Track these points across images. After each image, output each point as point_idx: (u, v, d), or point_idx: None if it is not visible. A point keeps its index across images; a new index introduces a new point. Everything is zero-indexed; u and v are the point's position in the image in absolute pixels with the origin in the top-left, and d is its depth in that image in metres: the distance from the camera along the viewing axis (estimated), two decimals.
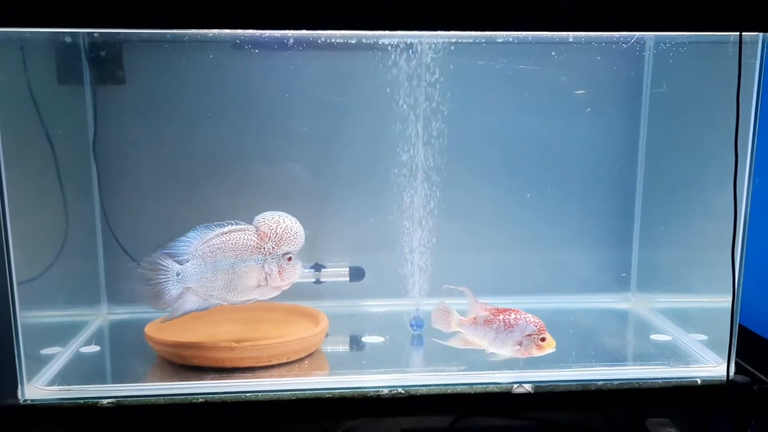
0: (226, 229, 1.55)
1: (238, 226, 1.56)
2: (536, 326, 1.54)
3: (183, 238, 1.53)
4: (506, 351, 1.55)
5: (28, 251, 1.51)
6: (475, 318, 1.57)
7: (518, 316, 1.55)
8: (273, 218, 1.57)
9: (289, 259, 1.56)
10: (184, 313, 1.54)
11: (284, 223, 1.56)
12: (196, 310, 1.55)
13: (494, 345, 1.55)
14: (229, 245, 1.54)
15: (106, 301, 1.97)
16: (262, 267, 1.55)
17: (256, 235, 1.55)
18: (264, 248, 1.55)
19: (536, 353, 1.54)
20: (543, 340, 1.54)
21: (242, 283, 1.55)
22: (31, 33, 1.52)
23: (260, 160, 1.93)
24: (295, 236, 1.56)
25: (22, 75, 1.60)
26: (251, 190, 1.94)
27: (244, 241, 1.54)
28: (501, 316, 1.55)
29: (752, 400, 1.55)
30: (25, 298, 1.48)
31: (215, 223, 1.55)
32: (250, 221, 1.58)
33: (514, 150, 1.98)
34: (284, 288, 1.59)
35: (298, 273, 1.58)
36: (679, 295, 1.94)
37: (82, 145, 1.88)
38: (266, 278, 1.56)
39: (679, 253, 1.91)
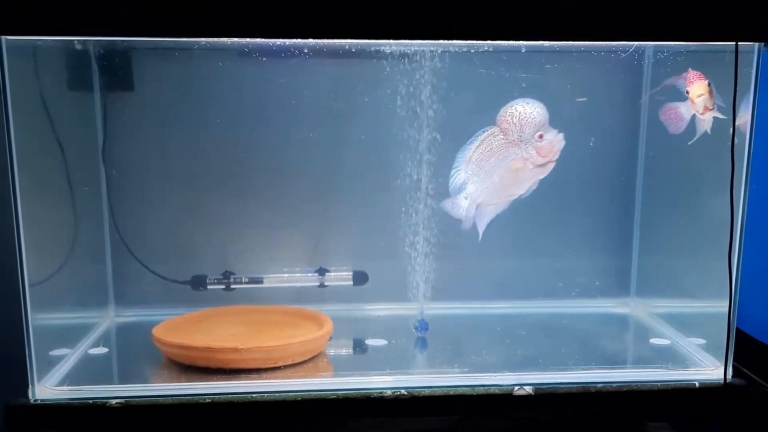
0: (477, 142, 1.63)
1: (485, 133, 1.63)
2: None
3: (452, 172, 1.65)
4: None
5: (38, 254, 1.53)
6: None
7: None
8: (507, 111, 1.61)
9: (540, 137, 1.60)
10: (488, 222, 1.67)
11: (516, 111, 1.60)
12: (496, 215, 1.67)
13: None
14: (487, 152, 1.62)
15: (113, 304, 1.99)
16: (522, 155, 1.61)
17: (501, 133, 1.61)
18: (513, 140, 1.61)
19: None
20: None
21: (516, 176, 1.63)
22: (43, 41, 1.55)
23: (266, 166, 1.96)
24: (531, 116, 1.60)
25: (34, 82, 1.63)
26: (258, 195, 1.97)
27: (496, 143, 1.62)
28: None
29: (748, 403, 1.57)
30: (35, 300, 1.51)
31: (467, 143, 1.64)
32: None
33: None
34: (553, 159, 1.63)
35: (557, 142, 1.61)
36: (677, 299, 1.96)
37: (92, 150, 1.91)
38: (531, 162, 1.62)
39: (678, 258, 1.93)
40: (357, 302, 2.03)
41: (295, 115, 1.93)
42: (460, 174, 1.65)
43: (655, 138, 1.99)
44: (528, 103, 1.61)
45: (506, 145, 1.61)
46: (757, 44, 1.50)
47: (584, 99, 1.96)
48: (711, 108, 1.57)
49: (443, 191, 1.86)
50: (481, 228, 1.68)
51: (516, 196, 1.67)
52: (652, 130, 1.99)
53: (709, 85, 1.56)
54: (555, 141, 1.61)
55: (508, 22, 1.46)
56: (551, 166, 1.64)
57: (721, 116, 1.57)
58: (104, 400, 1.48)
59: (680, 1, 1.47)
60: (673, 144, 1.90)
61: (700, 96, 1.56)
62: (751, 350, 1.69)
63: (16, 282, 1.47)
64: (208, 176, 1.95)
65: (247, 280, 2.00)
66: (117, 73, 1.88)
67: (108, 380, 1.61)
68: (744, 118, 1.55)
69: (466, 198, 1.65)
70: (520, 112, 1.60)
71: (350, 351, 1.80)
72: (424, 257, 1.88)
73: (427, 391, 1.54)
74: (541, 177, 1.65)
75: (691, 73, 1.58)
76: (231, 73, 1.88)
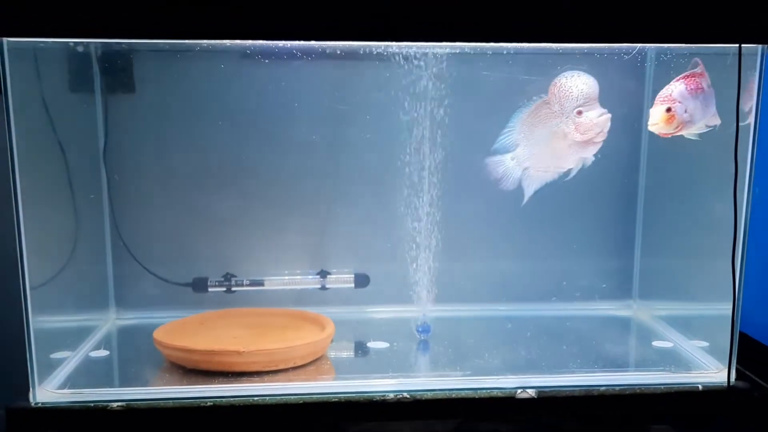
0: (532, 107, 1.59)
1: (535, 102, 1.59)
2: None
3: (504, 131, 1.62)
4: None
5: (39, 257, 1.53)
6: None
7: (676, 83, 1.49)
8: (553, 83, 1.57)
9: (578, 113, 1.55)
10: (535, 189, 1.65)
11: (560, 82, 1.56)
12: (540, 186, 1.64)
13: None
14: (535, 120, 1.59)
15: (114, 306, 1.99)
16: (564, 129, 1.57)
17: (546, 104, 1.58)
18: (555, 112, 1.57)
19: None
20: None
21: (560, 148, 1.59)
22: (44, 43, 1.55)
23: (268, 168, 1.96)
24: (570, 90, 1.55)
25: (36, 83, 1.62)
26: (259, 197, 1.97)
27: (544, 112, 1.58)
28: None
29: (752, 406, 1.57)
30: (36, 303, 1.50)
31: (520, 105, 1.61)
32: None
33: None
34: (597, 140, 1.58)
35: (599, 122, 1.55)
36: (680, 302, 1.96)
37: (93, 152, 1.90)
38: (571, 137, 1.58)
39: (681, 261, 1.93)
40: (359, 305, 2.03)
41: (296, 117, 1.92)
42: (512, 135, 1.60)
43: (657, 140, 1.98)
44: (573, 76, 1.55)
45: (550, 116, 1.57)
46: (760, 46, 1.49)
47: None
48: (670, 133, 1.52)
49: (445, 191, 1.87)
50: (527, 193, 1.64)
51: (564, 170, 1.62)
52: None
53: (669, 110, 1.49)
54: (596, 121, 1.54)
55: (508, 23, 1.45)
56: (595, 146, 1.58)
57: (701, 132, 1.55)
58: (105, 404, 1.48)
59: (683, 2, 1.46)
60: (676, 145, 1.91)
61: (653, 125, 1.52)
62: (754, 353, 1.69)
63: (17, 285, 1.47)
64: (209, 178, 1.95)
65: (248, 282, 2.00)
66: (118, 74, 1.88)
67: (109, 383, 1.60)
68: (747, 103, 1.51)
69: (513, 159, 1.61)
70: (562, 84, 1.55)
71: (352, 354, 1.80)
72: (426, 259, 1.87)
73: (429, 394, 1.53)
74: (584, 155, 1.59)
75: (662, 91, 1.52)
76: (232, 74, 1.88)
